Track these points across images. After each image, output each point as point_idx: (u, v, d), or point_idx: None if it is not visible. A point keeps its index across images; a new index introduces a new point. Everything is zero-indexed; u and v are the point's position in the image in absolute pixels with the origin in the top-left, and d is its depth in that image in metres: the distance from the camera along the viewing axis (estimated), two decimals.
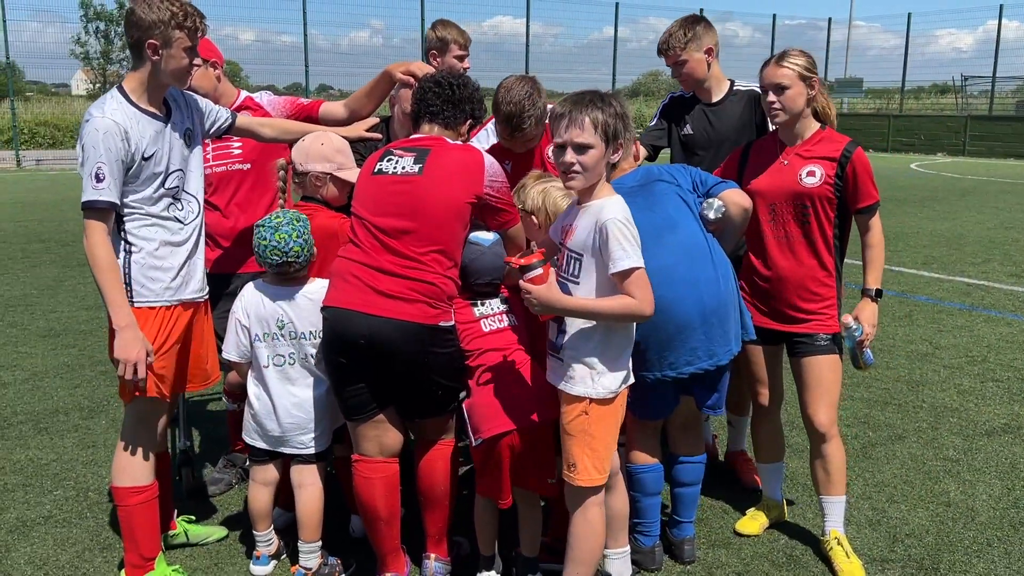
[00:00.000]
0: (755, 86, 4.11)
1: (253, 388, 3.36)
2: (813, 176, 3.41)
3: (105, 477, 4.21)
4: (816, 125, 3.51)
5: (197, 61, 3.17)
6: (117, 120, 3.00)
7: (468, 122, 3.31)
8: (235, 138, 3.89)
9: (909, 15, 33.25)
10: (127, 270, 3.08)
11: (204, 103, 3.43)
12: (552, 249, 3.09)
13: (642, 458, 3.44)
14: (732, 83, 4.08)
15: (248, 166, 3.94)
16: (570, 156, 2.76)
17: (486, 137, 3.99)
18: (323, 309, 3.13)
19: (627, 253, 2.72)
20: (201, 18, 3.11)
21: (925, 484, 4.27)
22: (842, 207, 3.47)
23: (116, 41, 39.39)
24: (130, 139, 3.01)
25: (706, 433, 4.53)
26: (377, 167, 3.18)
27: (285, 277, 3.31)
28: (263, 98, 3.99)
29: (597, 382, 2.86)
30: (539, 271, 2.81)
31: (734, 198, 3.37)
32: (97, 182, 2.96)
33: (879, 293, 3.50)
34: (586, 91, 2.85)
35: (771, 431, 3.77)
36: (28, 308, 7.61)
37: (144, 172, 3.08)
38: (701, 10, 32.25)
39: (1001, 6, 30.70)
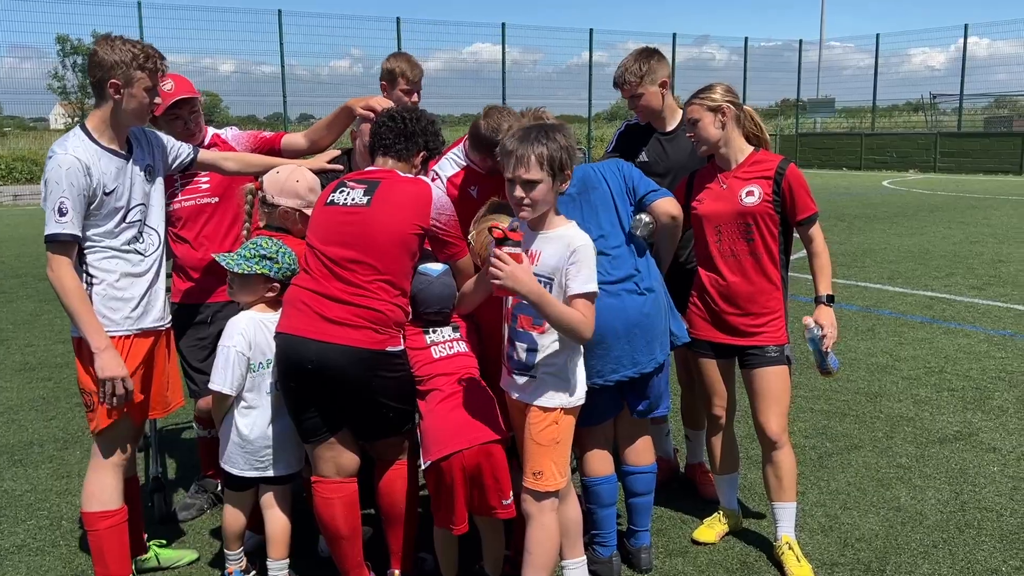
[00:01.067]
0: None
1: (246, 418, 3.41)
2: (752, 196, 3.60)
3: (79, 506, 4.27)
4: (749, 149, 3.70)
5: (157, 100, 3.30)
6: (79, 156, 3.13)
7: (422, 154, 3.44)
8: (202, 173, 4.03)
9: (877, 36, 33.91)
10: (89, 301, 3.20)
11: (166, 139, 3.57)
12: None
13: (597, 470, 3.57)
14: (684, 111, 4.25)
15: (216, 199, 4.07)
16: (519, 192, 2.97)
17: (450, 165, 4.11)
18: (275, 336, 3.26)
19: (589, 278, 2.96)
20: (161, 59, 3.26)
21: (877, 491, 4.42)
22: (784, 223, 3.65)
23: None
24: (92, 175, 3.15)
25: (667, 446, 4.67)
26: (330, 198, 3.32)
27: (274, 303, 3.42)
28: (228, 133, 4.16)
29: (566, 392, 3.07)
30: (519, 250, 2.92)
31: (663, 207, 3.52)
32: (60, 216, 3.09)
33: (831, 298, 3.67)
34: (533, 126, 3.05)
35: (726, 443, 3.91)
36: (4, 343, 7.67)
37: (106, 207, 3.21)
38: (674, 35, 32.77)
39: (966, 25, 31.37)
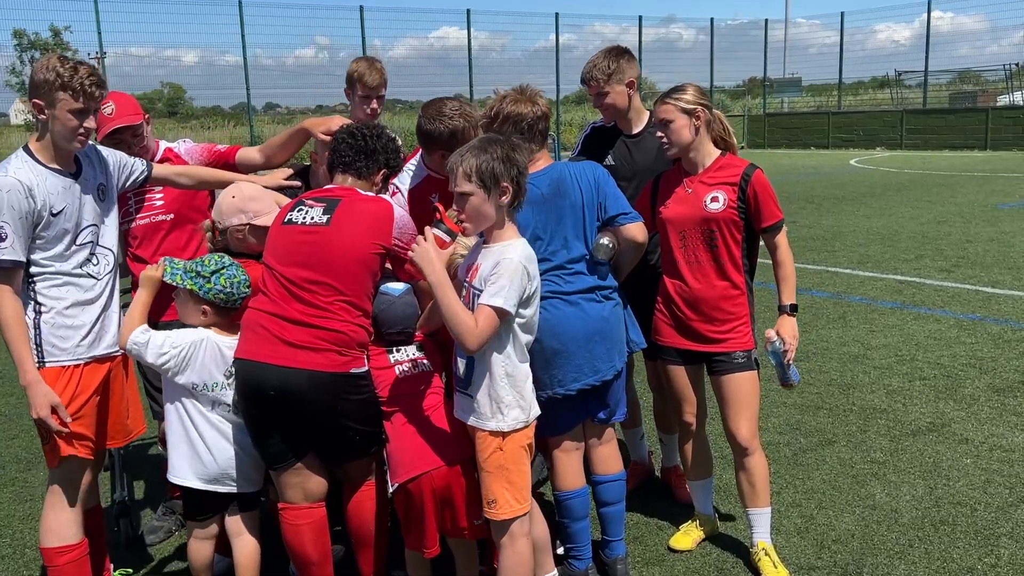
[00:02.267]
0: None
1: (182, 428, 3.31)
2: (717, 202, 3.54)
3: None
4: (716, 153, 3.64)
5: (88, 123, 3.10)
6: (21, 179, 3.02)
7: (382, 172, 3.37)
8: (156, 190, 3.92)
9: (842, 14, 34.08)
10: (37, 330, 3.11)
11: (117, 156, 3.45)
12: (458, 287, 3.15)
13: (568, 483, 3.51)
14: (651, 114, 4.19)
15: (171, 216, 3.97)
16: (455, 205, 2.95)
17: (408, 177, 4.02)
18: (234, 361, 3.17)
19: (501, 293, 2.84)
20: (92, 80, 3.04)
21: (852, 488, 4.41)
22: (748, 228, 3.60)
23: None
24: (35, 196, 3.03)
25: (642, 450, 4.64)
26: (288, 217, 3.23)
27: (229, 324, 3.33)
28: (181, 147, 4.04)
29: (507, 415, 2.97)
30: (445, 236, 3.02)
31: (631, 233, 3.43)
32: (0, 241, 2.98)
33: (794, 308, 3.63)
34: (478, 138, 3.03)
35: (698, 448, 3.88)
36: None
37: (54, 228, 3.10)
38: (640, 17, 32.69)
39: (928, 2, 31.56)
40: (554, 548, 3.48)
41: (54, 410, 3.04)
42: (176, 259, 3.38)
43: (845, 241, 11.79)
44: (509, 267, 2.87)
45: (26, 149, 3.13)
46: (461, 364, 3.03)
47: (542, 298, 3.18)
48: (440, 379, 3.37)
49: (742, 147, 31.96)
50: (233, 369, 3.24)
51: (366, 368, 3.19)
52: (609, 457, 3.62)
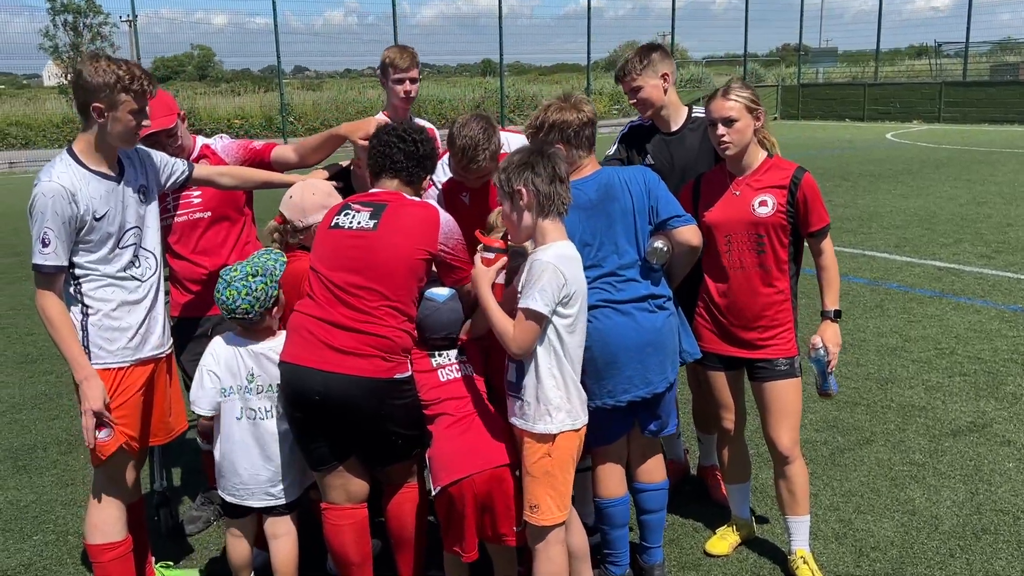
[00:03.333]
0: None
1: (218, 444, 3.38)
2: (765, 206, 3.47)
3: (84, 518, 4.24)
4: (763, 154, 3.57)
5: (145, 123, 3.15)
6: (64, 183, 3.03)
7: (429, 177, 3.37)
8: (194, 188, 3.90)
9: None
10: (84, 332, 3.13)
11: (159, 158, 3.44)
12: (512, 297, 3.14)
13: (609, 491, 3.50)
14: (690, 110, 4.11)
15: (208, 214, 3.97)
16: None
17: (443, 171, 4.00)
18: (280, 364, 3.18)
19: (532, 296, 2.88)
20: (148, 80, 3.11)
21: (891, 491, 4.37)
22: (795, 232, 3.53)
23: (85, 33, 38.99)
24: (78, 201, 3.04)
25: (678, 449, 4.61)
26: (334, 221, 3.21)
27: (248, 330, 3.33)
28: (217, 144, 4.03)
29: (555, 417, 2.98)
30: (491, 255, 3.07)
31: (685, 236, 3.37)
32: (43, 247, 3.02)
33: (838, 313, 3.56)
34: (531, 148, 3.09)
35: (736, 453, 3.85)
36: (3, 331, 7.61)
37: (97, 232, 3.11)
38: None
39: None
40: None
41: (97, 413, 3.07)
42: (228, 287, 3.31)
43: (882, 222, 11.61)
44: (539, 269, 2.90)
45: (70, 152, 3.13)
46: (512, 368, 3.05)
47: (593, 307, 3.16)
48: (483, 382, 3.35)
49: (775, 118, 31.48)
50: (254, 373, 3.29)
51: (409, 373, 3.19)
52: (654, 466, 3.60)
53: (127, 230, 3.21)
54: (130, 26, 28.78)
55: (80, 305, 3.14)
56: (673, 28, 33.88)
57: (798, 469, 3.63)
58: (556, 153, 3.06)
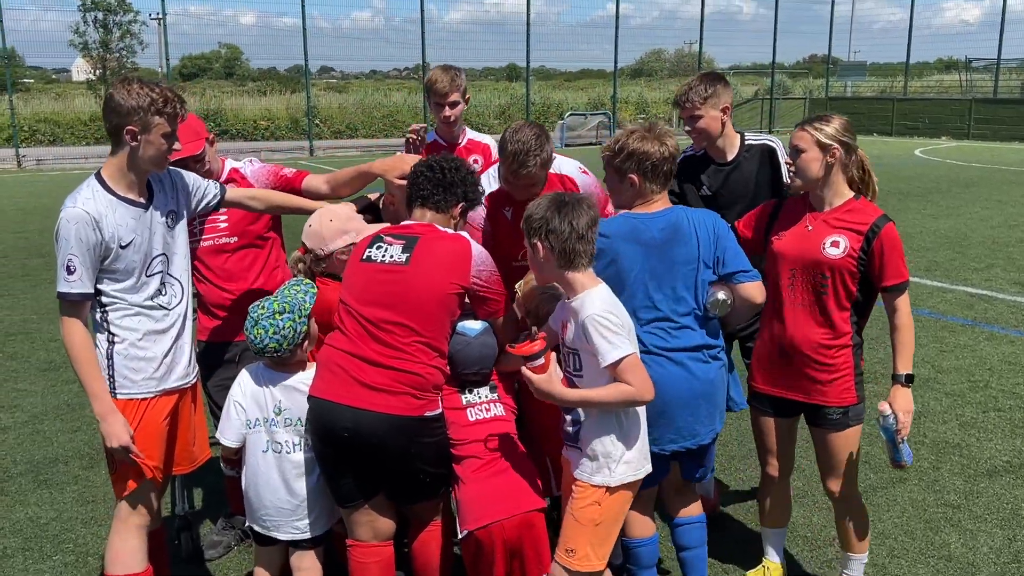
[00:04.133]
0: (766, 139, 4.11)
1: (244, 475, 3.34)
2: (837, 247, 3.31)
3: (105, 537, 4.19)
4: (848, 194, 3.39)
5: (176, 146, 3.13)
6: (88, 209, 2.99)
7: (460, 205, 3.29)
8: (220, 212, 3.86)
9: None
10: (110, 360, 3.09)
11: (192, 180, 3.39)
12: (553, 338, 3.07)
13: (638, 531, 3.41)
14: (742, 137, 4.04)
15: (235, 239, 3.93)
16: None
17: (487, 182, 3.95)
18: (308, 399, 3.12)
19: (613, 345, 2.77)
20: (181, 103, 3.09)
21: (926, 535, 4.25)
22: (864, 280, 3.35)
23: (114, 31, 39.36)
24: (103, 228, 3.00)
25: (708, 484, 4.51)
26: (366, 254, 3.16)
27: (279, 364, 3.28)
28: (247, 169, 3.97)
29: (614, 471, 2.90)
30: (540, 360, 2.89)
31: (750, 293, 3.24)
32: (68, 274, 2.98)
33: (910, 378, 3.37)
34: (554, 197, 2.94)
35: (778, 498, 3.73)
36: (28, 336, 7.61)
37: (123, 261, 3.07)
38: None
39: None
40: None
41: (124, 448, 3.03)
42: (257, 327, 3.22)
43: (912, 244, 11.44)
44: (595, 323, 2.79)
45: (98, 178, 3.09)
46: (568, 420, 2.96)
47: (645, 352, 3.07)
48: (513, 422, 3.29)
49: None
50: (281, 406, 3.24)
51: (440, 410, 3.13)
52: (691, 499, 3.53)
53: (154, 258, 3.16)
54: (159, 24, 29.00)
55: (107, 333, 3.10)
56: (701, 37, 33.75)
57: (853, 510, 3.56)
58: (579, 206, 2.88)
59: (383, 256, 3.12)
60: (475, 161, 4.35)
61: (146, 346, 3.14)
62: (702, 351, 3.23)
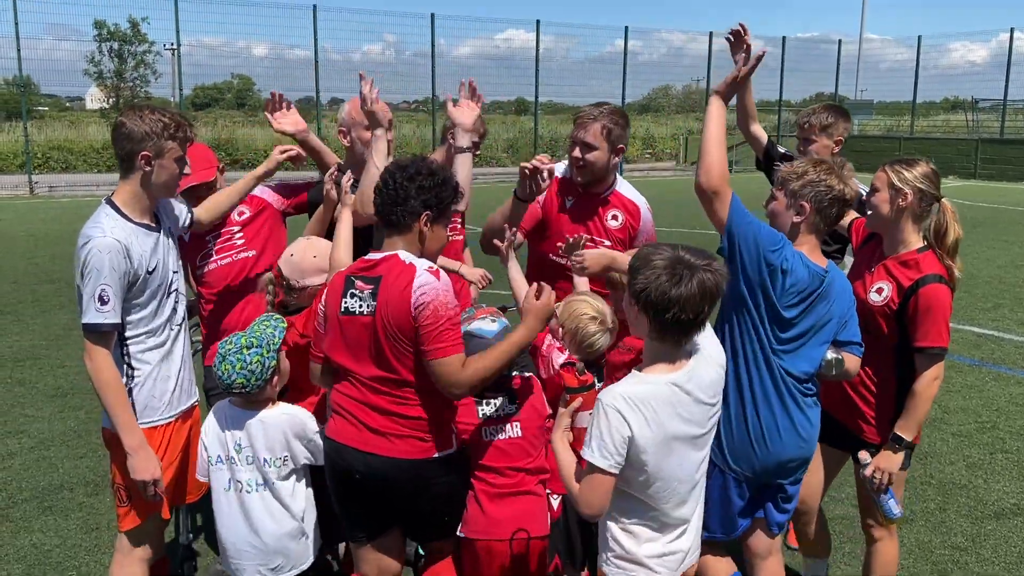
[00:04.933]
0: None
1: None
2: (880, 293, 3.32)
3: (107, 565, 4.19)
4: (916, 244, 3.35)
5: (186, 170, 3.23)
6: (118, 238, 3.03)
7: (424, 216, 2.97)
8: (236, 228, 3.93)
9: (919, 38, 33.18)
10: (130, 394, 3.11)
11: (175, 204, 3.45)
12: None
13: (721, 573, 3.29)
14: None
15: (253, 252, 3.94)
16: None
17: (561, 169, 4.14)
18: (324, 439, 3.14)
19: (591, 446, 2.49)
20: (190, 127, 3.18)
21: None
22: (906, 331, 3.31)
23: (129, 60, 39.83)
24: (132, 256, 3.05)
25: None
26: (344, 305, 2.98)
27: (246, 401, 3.21)
28: (265, 193, 4.07)
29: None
30: (578, 401, 2.93)
31: (852, 365, 3.21)
32: (101, 304, 2.98)
33: (899, 441, 3.32)
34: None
35: (819, 527, 3.82)
36: (36, 362, 7.64)
37: (149, 287, 3.12)
38: (711, 32, 32.23)
39: (1012, 29, 30.62)
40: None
41: (154, 483, 3.06)
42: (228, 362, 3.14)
43: None
44: (599, 411, 2.50)
45: (112, 206, 3.13)
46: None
47: (763, 399, 3.08)
48: (529, 443, 3.20)
49: None
50: (241, 443, 3.16)
51: (453, 449, 3.08)
52: (777, 568, 3.39)
53: (174, 273, 3.26)
54: (173, 54, 29.32)
55: (126, 367, 3.13)
56: (709, 74, 33.95)
57: (880, 547, 3.58)
58: (705, 278, 2.47)
59: (358, 307, 2.94)
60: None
61: (164, 369, 3.19)
62: (813, 398, 3.21)
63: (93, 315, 2.98)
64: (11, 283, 10.94)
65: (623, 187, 4.13)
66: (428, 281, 2.86)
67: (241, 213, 3.93)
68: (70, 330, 8.68)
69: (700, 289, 2.43)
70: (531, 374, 3.35)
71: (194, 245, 3.88)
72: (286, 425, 3.17)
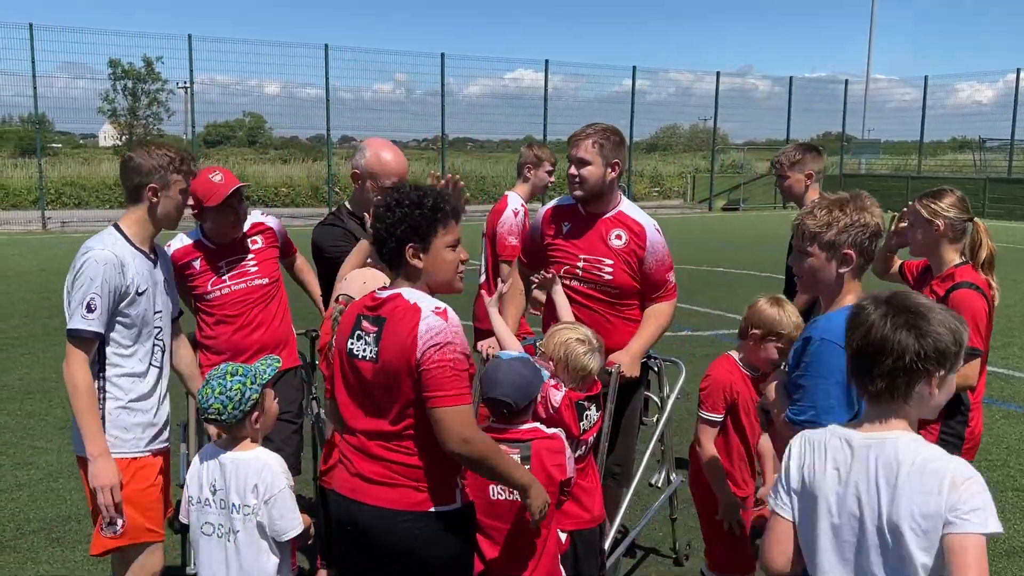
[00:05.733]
0: None
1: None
2: None
3: None
4: (953, 261, 3.62)
5: (190, 202, 3.44)
6: (117, 253, 3.19)
7: (409, 248, 2.78)
8: (249, 256, 4.08)
9: (926, 78, 33.44)
10: (102, 417, 3.20)
11: (174, 290, 3.62)
12: None
13: None
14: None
15: (267, 280, 4.11)
16: None
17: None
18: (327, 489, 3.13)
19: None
20: (194, 161, 3.37)
21: None
22: None
23: (143, 99, 40.40)
24: (126, 272, 3.19)
25: None
26: (349, 346, 2.84)
27: (229, 435, 3.03)
28: (271, 221, 4.31)
29: None
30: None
31: None
32: (88, 311, 3.10)
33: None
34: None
35: None
36: (46, 395, 7.68)
37: (136, 308, 3.24)
38: (718, 73, 32.53)
39: (1019, 70, 30.84)
40: None
41: (112, 490, 3.12)
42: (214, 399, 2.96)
43: None
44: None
45: (117, 228, 3.31)
46: None
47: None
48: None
49: None
50: (216, 486, 2.97)
51: (456, 505, 2.78)
52: None
53: (157, 312, 3.36)
54: (186, 92, 29.72)
55: (100, 390, 3.22)
56: (716, 113, 34.23)
57: None
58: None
59: (362, 351, 2.78)
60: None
61: (136, 407, 3.27)
62: None
63: (78, 321, 3.10)
64: (23, 316, 11.03)
65: (628, 208, 4.13)
66: (434, 325, 2.67)
67: (255, 242, 4.12)
68: None
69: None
70: (557, 431, 3.15)
71: (212, 270, 4.03)
72: (253, 470, 2.93)
